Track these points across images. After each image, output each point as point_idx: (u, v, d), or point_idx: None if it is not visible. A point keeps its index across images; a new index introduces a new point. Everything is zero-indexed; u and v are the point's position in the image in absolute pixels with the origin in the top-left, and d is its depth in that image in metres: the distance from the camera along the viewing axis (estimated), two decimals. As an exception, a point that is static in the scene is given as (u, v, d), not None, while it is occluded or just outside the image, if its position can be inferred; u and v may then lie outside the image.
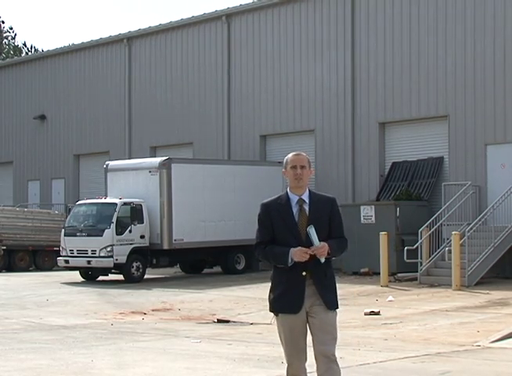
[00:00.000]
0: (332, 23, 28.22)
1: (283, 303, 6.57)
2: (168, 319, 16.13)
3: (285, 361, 6.73)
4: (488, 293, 19.41)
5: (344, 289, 19.80)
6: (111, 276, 25.05)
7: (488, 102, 24.28)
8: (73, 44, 41.32)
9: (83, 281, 24.90)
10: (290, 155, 6.76)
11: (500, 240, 21.79)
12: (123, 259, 24.19)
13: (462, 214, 23.45)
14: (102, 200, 25.47)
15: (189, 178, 25.62)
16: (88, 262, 24.49)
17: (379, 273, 22.09)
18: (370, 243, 23.11)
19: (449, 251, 21.50)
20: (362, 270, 24.12)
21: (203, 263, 27.82)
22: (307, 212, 6.59)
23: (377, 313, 16.16)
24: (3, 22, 65.20)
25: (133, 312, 17.23)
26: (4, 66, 42.55)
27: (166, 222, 24.83)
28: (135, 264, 24.55)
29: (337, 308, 6.70)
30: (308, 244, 6.46)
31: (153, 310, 17.62)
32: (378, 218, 24.40)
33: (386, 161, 27.05)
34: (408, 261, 22.29)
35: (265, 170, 27.77)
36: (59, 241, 26.01)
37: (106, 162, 27.44)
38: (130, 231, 24.48)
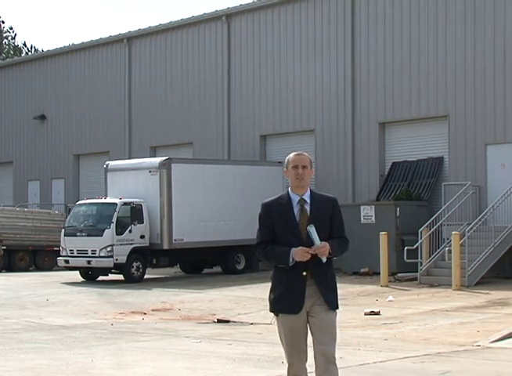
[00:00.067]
0: (332, 23, 28.23)
1: (283, 303, 6.55)
2: (168, 319, 16.14)
3: (285, 361, 6.72)
4: (488, 293, 19.41)
5: (344, 289, 19.79)
6: (111, 276, 25.06)
7: (488, 102, 24.28)
8: (73, 44, 41.33)
9: (83, 281, 24.90)
10: (291, 155, 6.74)
11: (500, 240, 21.79)
12: (123, 259, 24.19)
13: (462, 214, 23.45)
14: (102, 200, 25.47)
15: (189, 178, 25.62)
16: (88, 262, 24.49)
17: (379, 273, 22.09)
18: (370, 243, 23.11)
19: (449, 251, 21.50)
20: (362, 270, 24.12)
21: (203, 263, 27.82)
22: (308, 212, 6.57)
23: (377, 313, 16.16)
24: (3, 22, 65.27)
25: (133, 312, 17.23)
26: (4, 66, 42.56)
27: (166, 222, 24.83)
28: (135, 264, 24.55)
29: (337, 308, 6.68)
30: (309, 243, 6.44)
31: (153, 310, 17.62)
32: (378, 218, 24.40)
33: (386, 161, 27.06)
34: (408, 261, 22.29)
35: (265, 170, 27.77)
36: (59, 241, 26.01)
37: (106, 162, 27.44)
38: (130, 231, 24.48)
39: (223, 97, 31.56)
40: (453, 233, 21.17)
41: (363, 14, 27.36)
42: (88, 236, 24.66)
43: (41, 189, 39.07)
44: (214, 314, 16.74)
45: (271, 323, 7.19)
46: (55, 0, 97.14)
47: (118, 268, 24.42)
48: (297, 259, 6.42)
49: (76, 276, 25.35)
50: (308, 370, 6.71)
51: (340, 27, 27.95)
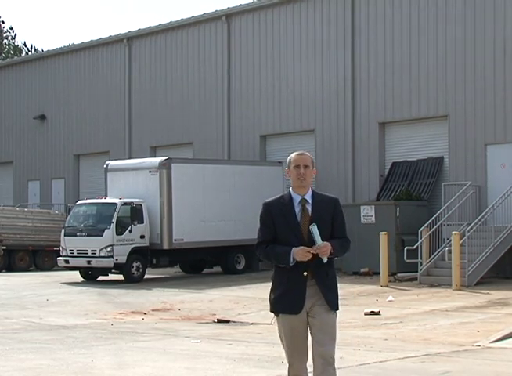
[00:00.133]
0: (332, 23, 28.23)
1: (283, 303, 6.52)
2: (168, 319, 16.14)
3: (285, 361, 6.71)
4: (488, 293, 19.41)
5: (344, 289, 19.79)
6: (111, 276, 25.06)
7: (488, 102, 24.28)
8: (73, 44, 41.33)
9: (83, 281, 24.90)
10: (293, 154, 6.71)
11: (500, 240, 21.79)
12: (123, 259, 24.19)
13: (462, 214, 23.45)
14: (102, 200, 25.47)
15: (189, 178, 25.62)
16: (88, 262, 24.49)
17: (379, 273, 22.09)
18: (370, 243, 23.11)
19: (449, 251, 21.50)
20: (362, 270, 24.12)
21: (203, 263, 27.82)
22: (309, 212, 6.55)
23: (377, 313, 16.16)
24: (3, 22, 65.27)
25: (133, 312, 17.23)
26: (4, 66, 42.56)
27: (166, 222, 24.83)
28: (135, 264, 24.55)
29: (338, 309, 6.65)
30: (311, 243, 6.42)
31: (153, 310, 17.63)
32: (378, 218, 24.40)
33: (386, 161, 27.06)
34: (408, 261, 22.29)
35: (265, 170, 27.77)
36: (59, 241, 26.01)
37: (106, 162, 27.44)
38: (130, 231, 24.49)
39: (223, 97, 31.56)
40: (453, 233, 21.17)
41: (363, 14, 27.36)
42: (88, 236, 24.67)
43: (41, 189, 39.08)
44: (214, 314, 16.74)
45: (271, 323, 7.18)
46: (55, 0, 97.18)
47: (118, 268, 24.42)
48: (298, 259, 6.40)
49: (76, 276, 25.36)
50: (309, 370, 6.71)
51: (340, 27, 27.96)
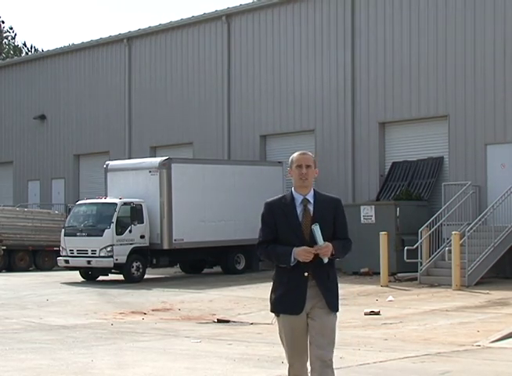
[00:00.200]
0: (332, 23, 28.22)
1: (284, 304, 6.50)
2: (168, 319, 16.14)
3: (285, 361, 6.70)
4: (488, 293, 19.41)
5: (344, 289, 19.78)
6: (111, 276, 25.06)
7: (488, 102, 24.28)
8: (73, 44, 41.32)
9: (83, 281, 24.90)
10: (295, 154, 6.69)
11: (500, 240, 21.79)
12: (123, 259, 24.19)
13: (462, 214, 23.44)
14: (102, 200, 25.47)
15: (189, 178, 25.62)
16: (88, 262, 24.49)
17: (379, 273, 22.09)
18: (370, 243, 23.10)
19: (449, 251, 21.50)
20: (362, 270, 24.12)
21: (203, 263, 27.81)
22: (311, 212, 6.51)
23: (377, 313, 16.16)
24: (3, 22, 65.29)
25: (133, 312, 17.23)
26: (4, 66, 42.56)
27: (166, 222, 24.83)
28: (135, 264, 24.55)
29: (338, 311, 6.62)
30: (312, 243, 6.38)
31: (153, 310, 17.63)
32: (378, 218, 24.40)
33: (386, 161, 27.06)
34: (408, 261, 22.28)
35: (265, 170, 27.77)
36: (59, 241, 26.01)
37: (106, 162, 27.44)
38: (130, 231, 24.49)
39: (223, 97, 31.56)
40: (453, 233, 21.17)
41: (363, 14, 27.36)
42: (88, 236, 24.67)
43: (41, 189, 39.07)
44: (214, 314, 16.74)
45: (271, 324, 7.17)
46: (55, 0, 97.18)
47: (118, 268, 24.42)
48: (299, 259, 6.37)
49: (76, 276, 25.36)
50: (308, 370, 6.70)
51: (340, 26, 27.95)
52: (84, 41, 37.85)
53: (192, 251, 25.81)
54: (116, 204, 24.61)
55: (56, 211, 33.22)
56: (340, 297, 6.71)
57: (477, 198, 23.98)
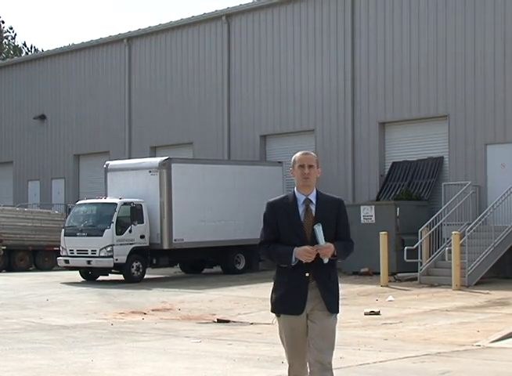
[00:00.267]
0: (332, 23, 28.22)
1: (285, 304, 6.48)
2: (168, 319, 16.14)
3: (285, 361, 6.69)
4: (488, 293, 19.41)
5: (344, 289, 19.76)
6: (111, 276, 25.06)
7: (488, 102, 24.28)
8: (73, 44, 41.31)
9: (83, 281, 24.90)
10: (298, 154, 6.64)
11: (500, 240, 21.79)
12: (123, 259, 24.19)
13: (462, 214, 23.44)
14: (102, 200, 25.47)
15: (189, 178, 25.62)
16: (88, 262, 24.49)
17: (379, 273, 22.09)
18: (370, 243, 23.09)
19: (449, 251, 21.50)
20: (362, 270, 24.12)
21: (203, 263, 27.82)
22: (313, 212, 6.48)
23: (377, 313, 16.16)
24: (3, 22, 65.29)
25: (133, 312, 17.23)
26: (4, 66, 42.56)
27: (166, 222, 24.83)
28: (135, 264, 24.55)
29: (338, 312, 6.58)
30: (313, 244, 6.35)
31: (153, 310, 17.63)
32: (378, 218, 24.40)
33: (386, 161, 27.06)
34: (408, 261, 22.28)
35: (265, 170, 27.77)
36: (59, 241, 26.01)
37: (106, 162, 27.44)
38: (130, 231, 24.49)
39: (223, 97, 31.55)
40: (453, 233, 21.17)
41: (363, 14, 27.35)
42: (88, 236, 24.67)
43: (41, 189, 39.08)
44: (214, 314, 16.74)
45: (272, 323, 7.16)
46: (55, 0, 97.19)
47: (118, 268, 24.42)
48: (300, 259, 6.34)
49: (76, 276, 25.36)
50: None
51: (340, 26, 27.95)
52: (84, 41, 37.87)
53: (192, 251, 25.81)
54: (116, 204, 24.61)
55: (56, 211, 33.22)
56: (340, 297, 6.69)
57: (477, 198, 23.99)
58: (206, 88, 32.32)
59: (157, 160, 25.91)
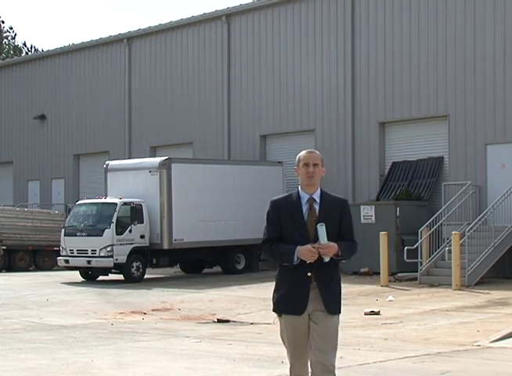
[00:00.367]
0: (332, 23, 28.22)
1: (286, 304, 6.43)
2: (168, 319, 16.14)
3: (286, 361, 6.68)
4: (488, 293, 19.42)
5: (344, 289, 19.51)
6: (111, 276, 25.06)
7: (488, 102, 24.28)
8: (73, 44, 41.32)
9: (83, 281, 24.90)
10: (302, 152, 6.62)
11: (500, 240, 21.79)
12: (123, 259, 24.19)
13: (462, 214, 23.45)
14: (102, 200, 25.47)
15: (189, 178, 25.62)
16: (88, 262, 24.49)
17: (379, 273, 22.09)
18: (370, 243, 23.08)
19: (449, 251, 21.50)
20: (362, 270, 24.12)
21: (203, 263, 27.82)
22: (317, 212, 6.45)
23: (377, 313, 16.16)
24: (3, 22, 65.30)
25: (133, 312, 17.23)
26: (4, 66, 42.55)
27: (166, 222, 24.82)
28: (135, 264, 24.55)
29: (340, 313, 6.55)
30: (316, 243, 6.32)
31: (153, 310, 17.63)
32: (378, 218, 24.40)
33: (386, 161, 27.06)
34: (408, 261, 22.29)
35: (265, 170, 27.77)
36: (59, 241, 26.01)
37: (106, 162, 27.44)
38: (130, 231, 24.48)
39: (223, 97, 31.56)
40: (453, 232, 21.17)
41: (363, 14, 27.35)
42: (88, 236, 24.67)
43: (41, 189, 39.07)
44: (214, 314, 16.74)
45: (272, 323, 7.14)
46: (55, 0, 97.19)
47: (118, 268, 24.42)
48: (302, 258, 6.29)
49: (76, 276, 25.36)
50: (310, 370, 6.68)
51: (340, 26, 27.95)
52: (84, 41, 37.86)
53: (192, 250, 25.81)
54: (116, 204, 24.61)
55: (56, 211, 33.22)
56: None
57: (477, 198, 23.99)
58: (206, 88, 32.32)
59: (157, 160, 25.90)
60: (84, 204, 26.11)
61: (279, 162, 28.04)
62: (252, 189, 26.49)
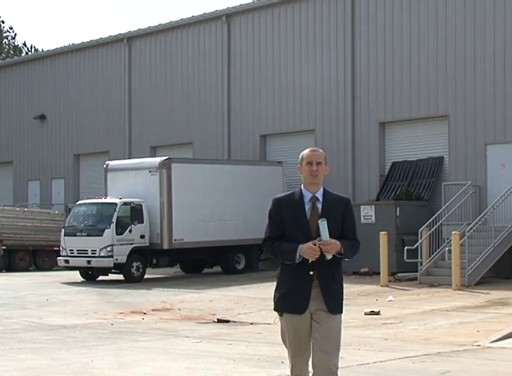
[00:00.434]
0: (332, 23, 28.22)
1: (287, 303, 6.39)
2: (168, 319, 16.14)
3: (286, 361, 6.66)
4: (488, 293, 19.42)
5: (345, 289, 19.41)
6: (111, 276, 25.06)
7: (488, 102, 24.28)
8: (73, 44, 41.33)
9: (83, 281, 24.90)
10: (306, 151, 6.58)
11: (500, 240, 21.79)
12: (123, 259, 24.19)
13: (462, 214, 23.45)
14: (102, 200, 25.47)
15: (189, 179, 25.63)
16: (88, 262, 24.49)
17: (379, 273, 22.09)
18: (370, 243, 23.04)
19: (449, 251, 21.50)
20: (362, 270, 24.12)
21: (203, 263, 27.82)
22: (319, 210, 6.41)
23: (377, 313, 16.16)
24: (3, 22, 65.30)
25: (133, 312, 17.23)
26: (4, 66, 42.56)
27: (166, 222, 24.82)
28: (135, 264, 24.55)
29: (342, 312, 6.52)
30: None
31: (153, 310, 17.63)
32: (378, 218, 24.40)
33: (386, 161, 27.06)
34: (408, 261, 22.29)
35: (265, 170, 27.77)
36: (59, 241, 26.01)
37: (106, 162, 27.44)
38: (130, 231, 24.49)
39: (223, 97, 31.55)
40: (453, 232, 21.17)
41: (363, 14, 27.35)
42: (88, 236, 24.67)
43: (41, 189, 39.07)
44: (214, 314, 16.73)
45: (273, 323, 7.11)
46: (55, 0, 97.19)
47: (118, 268, 24.42)
48: (304, 256, 6.25)
49: (76, 276, 25.36)
50: (310, 370, 6.67)
51: (340, 26, 27.95)
52: (84, 41, 37.86)
53: (192, 250, 25.82)
54: (116, 204, 24.61)
55: (56, 211, 33.22)
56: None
57: (477, 198, 23.99)
58: (206, 88, 32.32)
59: (157, 160, 25.91)
60: (84, 204, 26.12)
61: (279, 162, 28.05)
62: (252, 189, 26.50)
